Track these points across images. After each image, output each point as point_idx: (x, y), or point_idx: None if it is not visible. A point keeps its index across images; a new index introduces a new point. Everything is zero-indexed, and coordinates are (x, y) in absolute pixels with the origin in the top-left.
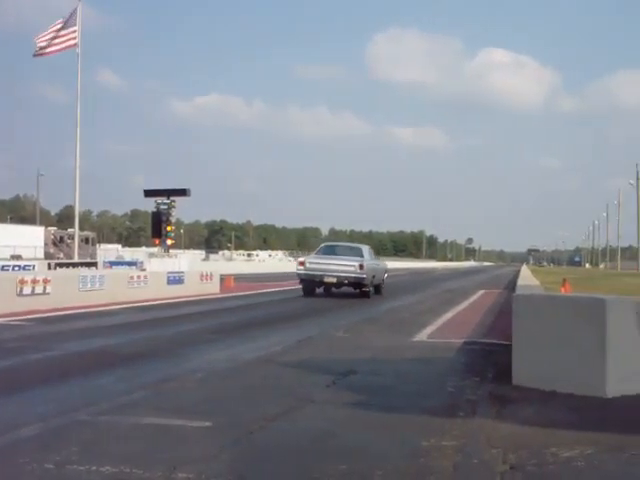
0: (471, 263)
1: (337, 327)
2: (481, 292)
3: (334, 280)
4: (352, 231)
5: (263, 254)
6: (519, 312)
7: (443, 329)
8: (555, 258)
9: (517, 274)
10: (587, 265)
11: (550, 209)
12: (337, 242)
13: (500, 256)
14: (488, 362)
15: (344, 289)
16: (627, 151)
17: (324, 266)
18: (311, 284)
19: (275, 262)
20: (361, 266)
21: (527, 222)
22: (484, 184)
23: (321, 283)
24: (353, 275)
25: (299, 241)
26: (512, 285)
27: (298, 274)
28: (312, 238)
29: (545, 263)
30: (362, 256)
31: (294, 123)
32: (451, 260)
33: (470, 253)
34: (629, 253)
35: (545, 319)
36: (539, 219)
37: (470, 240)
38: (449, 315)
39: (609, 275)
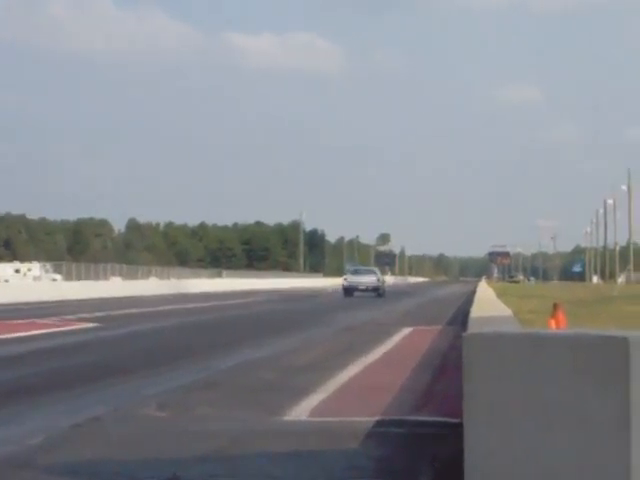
0: (389, 279)
1: (145, 398)
2: (407, 330)
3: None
4: (169, 224)
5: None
6: (475, 367)
7: (340, 399)
8: (538, 268)
9: (471, 297)
10: (595, 278)
11: (528, 182)
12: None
13: (439, 265)
14: (421, 458)
15: None
16: None
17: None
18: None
19: (28, 283)
20: (378, 279)
21: (487, 206)
22: (407, 140)
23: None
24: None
25: (75, 241)
26: (461, 317)
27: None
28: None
29: (522, 276)
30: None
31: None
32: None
33: (385, 261)
34: None
35: (521, 378)
36: (508, 201)
37: (385, 238)
38: (351, 372)
39: (637, 296)
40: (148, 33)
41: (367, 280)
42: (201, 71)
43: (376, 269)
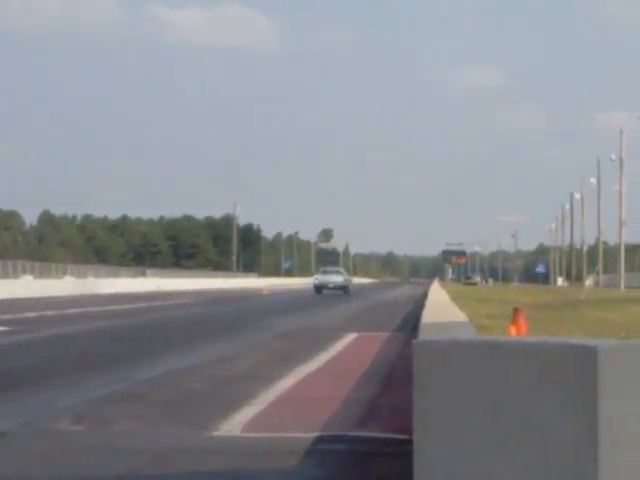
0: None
1: (59, 411)
2: (352, 337)
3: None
4: (86, 217)
5: None
6: (426, 377)
7: (276, 412)
8: (497, 268)
9: (422, 300)
10: (560, 280)
11: (487, 175)
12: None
13: (388, 264)
14: (367, 478)
15: None
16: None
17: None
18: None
19: None
20: (345, 279)
21: (441, 201)
22: (353, 128)
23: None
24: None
25: None
26: (412, 323)
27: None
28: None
29: (479, 278)
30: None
31: None
32: (290, 274)
33: (327, 259)
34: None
35: (478, 390)
36: (465, 195)
37: (327, 235)
38: (288, 383)
39: (606, 301)
40: (68, 6)
41: (335, 279)
42: (126, 48)
43: (342, 270)
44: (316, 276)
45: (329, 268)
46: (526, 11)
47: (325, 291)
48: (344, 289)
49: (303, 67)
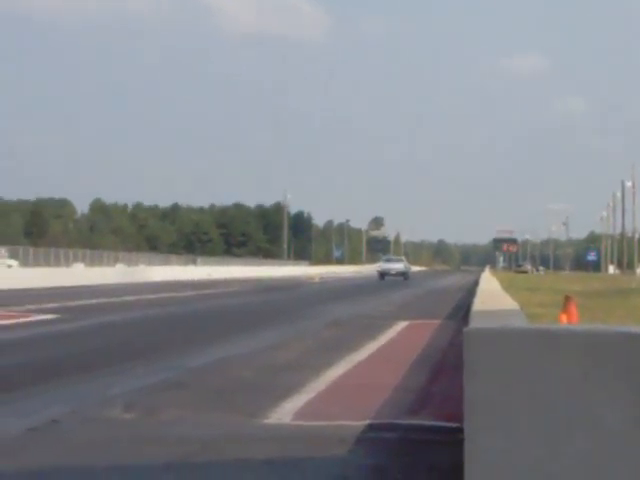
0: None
1: (109, 399)
2: (402, 325)
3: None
4: (137, 205)
5: None
6: (477, 366)
7: (327, 400)
8: (548, 256)
9: (473, 288)
10: (611, 269)
11: (537, 162)
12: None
13: (439, 252)
14: (416, 467)
15: None
16: None
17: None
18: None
19: None
20: (405, 266)
21: (492, 189)
22: (404, 116)
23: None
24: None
25: (32, 222)
26: (462, 311)
27: (378, 270)
28: (56, 219)
29: (529, 266)
30: (404, 261)
31: None
32: (340, 262)
33: (378, 247)
34: None
35: (529, 379)
36: (516, 183)
37: (378, 222)
38: (339, 371)
39: None
40: None
41: (396, 267)
42: (174, 34)
43: (403, 258)
44: (380, 264)
45: (391, 257)
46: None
47: (387, 277)
48: (404, 275)
49: (347, 55)
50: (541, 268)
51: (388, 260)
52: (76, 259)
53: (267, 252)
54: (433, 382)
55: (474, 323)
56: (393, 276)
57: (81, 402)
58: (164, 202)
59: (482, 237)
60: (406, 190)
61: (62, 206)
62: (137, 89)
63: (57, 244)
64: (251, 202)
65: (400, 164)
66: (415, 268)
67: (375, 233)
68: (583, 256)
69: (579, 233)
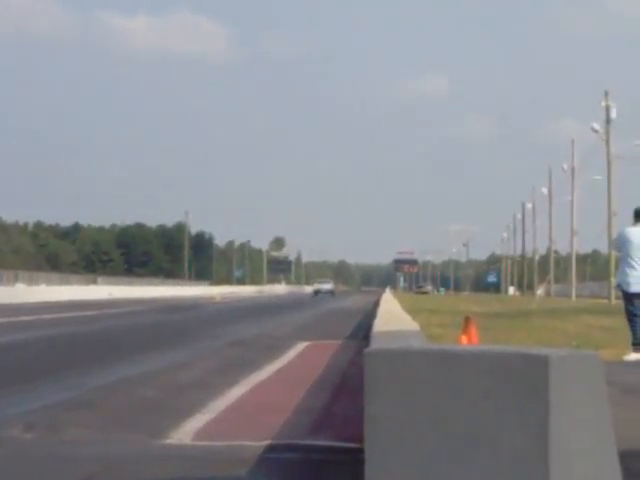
0: (281, 288)
1: (10, 418)
2: (304, 345)
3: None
4: (38, 224)
5: None
6: (378, 386)
7: (228, 420)
8: (449, 277)
9: (374, 309)
10: (511, 290)
11: (439, 183)
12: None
13: (340, 273)
14: None
15: None
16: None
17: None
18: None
19: None
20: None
21: (393, 209)
22: (304, 136)
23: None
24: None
25: None
26: (363, 332)
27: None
28: None
29: (430, 287)
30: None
31: None
32: (241, 282)
33: (279, 268)
34: (595, 266)
35: (429, 398)
36: (417, 204)
37: (279, 243)
38: (240, 391)
39: (557, 310)
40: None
41: (326, 287)
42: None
43: (330, 280)
44: (315, 285)
45: (322, 280)
46: (474, 19)
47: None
48: (331, 292)
49: (253, 75)
50: (442, 289)
51: (320, 282)
52: None
53: (168, 272)
54: (333, 402)
55: (374, 343)
56: (323, 293)
57: None
58: (65, 221)
59: (383, 258)
60: (307, 210)
61: None
62: (38, 106)
63: None
64: (152, 222)
65: (301, 184)
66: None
67: (276, 254)
68: (483, 277)
69: (480, 254)
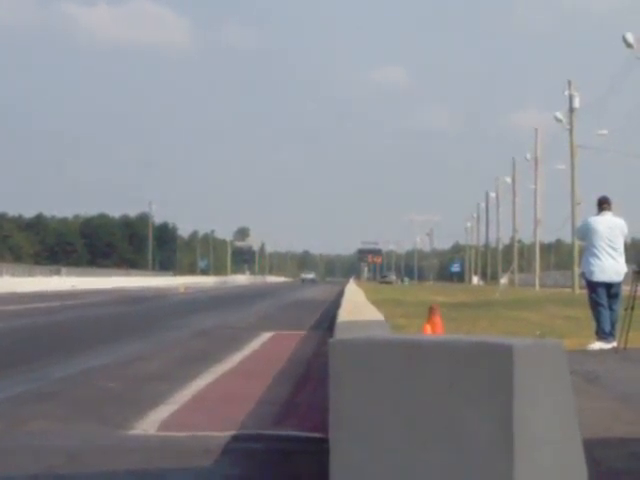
0: (244, 278)
1: None
2: (267, 335)
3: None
4: (1, 216)
5: None
6: (342, 376)
7: (192, 411)
8: (413, 267)
9: (338, 299)
10: (475, 279)
11: (402, 173)
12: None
13: (304, 263)
14: (281, 477)
15: None
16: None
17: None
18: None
19: None
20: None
21: (357, 199)
22: (268, 125)
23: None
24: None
25: None
26: (328, 322)
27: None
28: None
29: (394, 277)
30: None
31: None
32: (205, 273)
33: (244, 258)
34: (558, 255)
35: (393, 388)
36: (381, 194)
37: (243, 233)
38: (204, 382)
39: (520, 300)
40: None
41: (310, 276)
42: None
43: (313, 272)
44: (302, 275)
45: (307, 271)
46: (437, 10)
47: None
48: (313, 281)
49: (211, 64)
50: (406, 279)
51: (306, 273)
52: None
53: (132, 263)
54: (298, 393)
55: (339, 334)
56: (309, 281)
57: None
58: (28, 213)
59: (347, 248)
60: (271, 200)
61: None
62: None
63: None
64: (116, 212)
65: (266, 174)
66: (279, 279)
67: (240, 244)
68: (447, 267)
69: (444, 244)
